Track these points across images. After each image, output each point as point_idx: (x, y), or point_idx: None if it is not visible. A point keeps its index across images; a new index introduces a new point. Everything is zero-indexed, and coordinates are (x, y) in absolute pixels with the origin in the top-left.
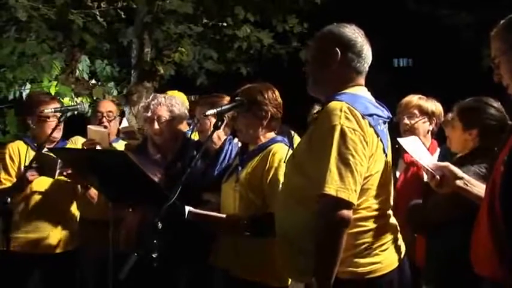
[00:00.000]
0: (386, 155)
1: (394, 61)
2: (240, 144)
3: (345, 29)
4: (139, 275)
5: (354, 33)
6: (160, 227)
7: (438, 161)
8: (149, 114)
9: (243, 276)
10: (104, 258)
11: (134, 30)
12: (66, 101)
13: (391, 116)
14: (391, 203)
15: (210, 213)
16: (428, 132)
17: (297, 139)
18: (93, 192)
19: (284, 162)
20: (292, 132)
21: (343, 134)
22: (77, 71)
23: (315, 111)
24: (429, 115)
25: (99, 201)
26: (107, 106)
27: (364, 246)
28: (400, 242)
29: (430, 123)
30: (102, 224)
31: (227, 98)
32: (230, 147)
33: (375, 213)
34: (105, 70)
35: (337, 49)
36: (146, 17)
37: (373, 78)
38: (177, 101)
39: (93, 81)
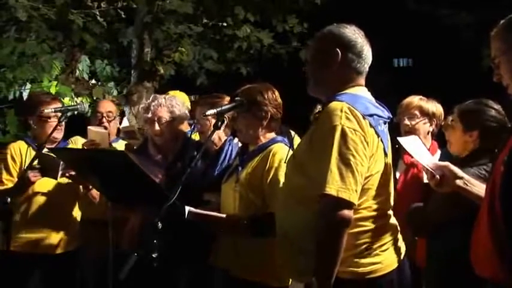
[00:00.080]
0: (386, 155)
1: (394, 61)
2: (240, 145)
3: (345, 30)
4: (139, 275)
5: (354, 33)
6: (160, 227)
7: None
8: (149, 115)
9: (243, 276)
10: (105, 258)
11: (134, 30)
12: (66, 101)
13: (391, 116)
14: (392, 203)
15: (210, 213)
16: (428, 133)
17: (297, 140)
18: (95, 192)
19: (285, 162)
20: (293, 133)
21: (343, 134)
22: (77, 71)
23: (317, 111)
24: (430, 116)
25: (100, 202)
26: (107, 106)
27: (364, 246)
28: (400, 242)
29: (431, 124)
30: (103, 224)
31: (227, 98)
32: (230, 148)
33: (376, 213)
34: (105, 70)
35: (337, 50)
36: (146, 17)
37: (373, 78)
38: (178, 102)
39: (93, 81)
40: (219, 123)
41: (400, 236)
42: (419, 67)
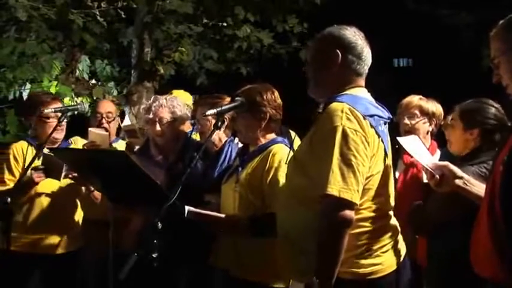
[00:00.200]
0: (387, 156)
1: (394, 61)
2: (240, 145)
3: (345, 31)
4: (139, 275)
5: (355, 35)
6: (160, 227)
7: None
8: (151, 116)
9: (243, 276)
10: (105, 259)
11: (134, 30)
12: (66, 101)
13: (391, 116)
14: (392, 203)
15: (209, 213)
16: (428, 132)
17: (297, 142)
18: (97, 193)
19: (285, 163)
20: (293, 134)
21: (344, 134)
22: (77, 71)
23: (319, 111)
24: (429, 116)
25: (101, 202)
26: (107, 107)
27: (365, 247)
28: (401, 243)
29: (430, 124)
30: (104, 225)
31: (228, 99)
32: (230, 149)
33: (376, 213)
34: (105, 70)
35: (337, 51)
36: (146, 17)
37: (373, 78)
38: (179, 102)
39: (93, 81)
40: (219, 123)
41: (400, 237)
42: (419, 67)
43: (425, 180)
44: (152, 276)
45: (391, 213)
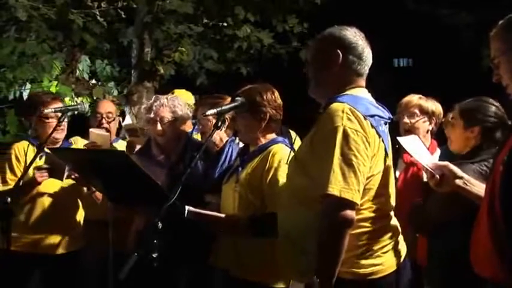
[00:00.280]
0: (387, 156)
1: (394, 61)
2: (241, 145)
3: (346, 32)
4: (139, 275)
5: (355, 36)
6: (160, 227)
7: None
8: (152, 115)
9: (243, 276)
10: (106, 259)
11: (134, 30)
12: (67, 101)
13: (391, 117)
14: (393, 204)
15: (209, 213)
16: (428, 131)
17: (298, 143)
18: (99, 194)
19: (286, 163)
20: (294, 135)
21: (345, 135)
22: (77, 71)
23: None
24: (429, 115)
25: (101, 202)
26: (107, 107)
27: (365, 247)
28: (401, 243)
29: (430, 123)
30: (105, 225)
31: (229, 99)
32: (231, 149)
33: (377, 214)
34: (105, 70)
35: (338, 51)
36: (146, 17)
37: (373, 78)
38: (180, 102)
39: (93, 81)
40: (219, 123)
41: (401, 237)
42: (419, 67)
43: (425, 179)
44: (152, 276)
45: (392, 213)
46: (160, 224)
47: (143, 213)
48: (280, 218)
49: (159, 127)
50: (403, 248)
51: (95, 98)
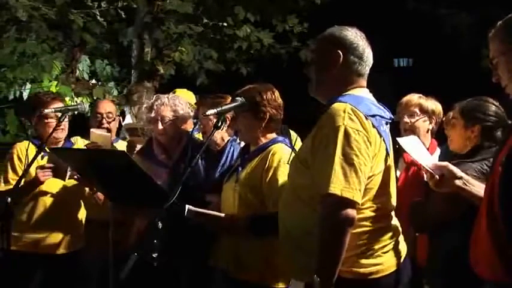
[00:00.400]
0: (388, 155)
1: (394, 61)
2: (243, 144)
3: (347, 32)
4: (139, 275)
5: (356, 36)
6: (160, 227)
7: (439, 161)
8: (153, 114)
9: (243, 276)
10: (107, 259)
11: (134, 30)
12: (67, 101)
13: (392, 117)
14: (394, 204)
15: (209, 212)
16: (428, 131)
17: (298, 143)
18: (101, 194)
19: (287, 163)
20: (295, 136)
21: (347, 134)
22: (77, 71)
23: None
24: (429, 114)
25: (103, 202)
26: (107, 107)
27: (366, 246)
28: (402, 242)
29: (430, 122)
30: (106, 225)
31: (230, 99)
32: (232, 149)
33: (378, 213)
34: (105, 70)
35: (339, 52)
36: (146, 17)
37: (374, 78)
38: (181, 101)
39: (93, 81)
40: (219, 122)
41: (401, 237)
42: (419, 67)
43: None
44: (152, 276)
45: (393, 213)
46: (160, 224)
47: (143, 213)
48: (282, 217)
49: (160, 126)
50: (403, 248)
51: (95, 98)
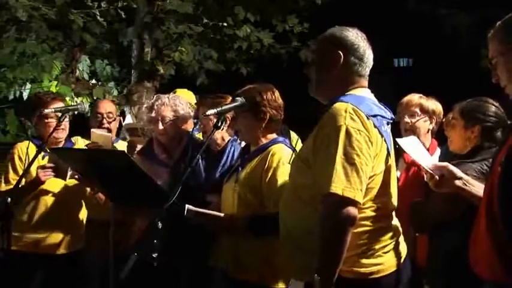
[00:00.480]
0: (389, 155)
1: (394, 61)
2: (244, 144)
3: (347, 33)
4: (139, 275)
5: (357, 37)
6: (160, 227)
7: (439, 161)
8: (153, 114)
9: (243, 276)
10: (107, 259)
11: (134, 30)
12: (67, 101)
13: (393, 117)
14: (395, 203)
15: (209, 212)
16: (428, 131)
17: (299, 145)
18: (102, 195)
19: (288, 163)
20: (296, 137)
21: (348, 134)
22: (77, 71)
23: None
24: (430, 114)
25: (105, 202)
26: (107, 107)
27: (367, 246)
28: (402, 242)
29: (431, 122)
30: (107, 225)
31: (230, 99)
32: (233, 149)
33: (378, 213)
34: (105, 70)
35: (339, 52)
36: (146, 17)
37: (373, 78)
38: (181, 101)
39: (93, 81)
40: (220, 122)
41: (402, 237)
42: (419, 67)
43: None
44: (152, 276)
45: (393, 213)
46: (160, 224)
47: (143, 213)
48: (283, 217)
49: (160, 126)
50: (403, 248)
51: (95, 98)
